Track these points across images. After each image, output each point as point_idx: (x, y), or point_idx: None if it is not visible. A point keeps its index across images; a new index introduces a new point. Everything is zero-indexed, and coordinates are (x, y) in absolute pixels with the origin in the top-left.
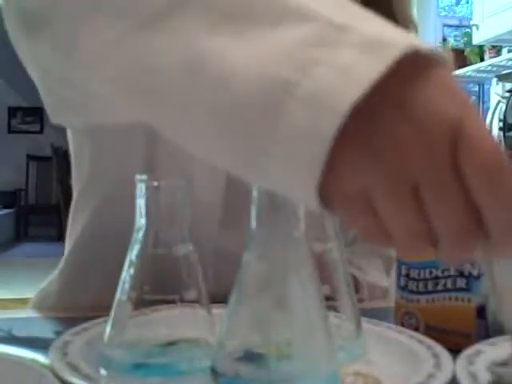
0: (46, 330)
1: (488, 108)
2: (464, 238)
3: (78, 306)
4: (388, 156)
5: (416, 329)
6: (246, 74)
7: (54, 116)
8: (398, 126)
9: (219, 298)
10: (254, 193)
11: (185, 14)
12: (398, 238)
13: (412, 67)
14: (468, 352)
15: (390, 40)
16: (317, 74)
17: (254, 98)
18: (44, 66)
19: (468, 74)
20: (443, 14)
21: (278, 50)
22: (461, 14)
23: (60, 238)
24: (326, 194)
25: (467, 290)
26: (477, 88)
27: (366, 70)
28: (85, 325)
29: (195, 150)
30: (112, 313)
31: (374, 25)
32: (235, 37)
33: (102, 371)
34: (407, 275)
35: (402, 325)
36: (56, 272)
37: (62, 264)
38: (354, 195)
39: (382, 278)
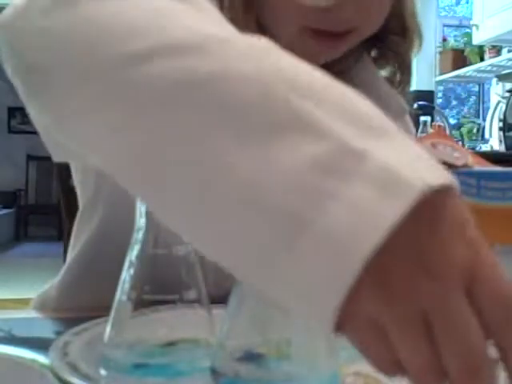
0: (46, 330)
1: (488, 108)
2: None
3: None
4: (403, 296)
5: None
6: (255, 200)
7: (54, 156)
8: (414, 272)
9: (219, 298)
10: None
11: (189, 107)
12: (412, 371)
13: (427, 205)
14: None
15: (407, 178)
16: (332, 211)
17: (265, 229)
18: (36, 117)
19: (468, 73)
20: (443, 14)
21: (290, 172)
22: (461, 14)
23: (60, 238)
24: (338, 319)
25: None
26: (477, 88)
27: (384, 215)
28: (85, 325)
29: (196, 243)
30: (112, 313)
31: (391, 147)
32: (243, 146)
33: (102, 371)
34: None
35: None
36: (56, 279)
37: (62, 272)
38: (366, 325)
39: None
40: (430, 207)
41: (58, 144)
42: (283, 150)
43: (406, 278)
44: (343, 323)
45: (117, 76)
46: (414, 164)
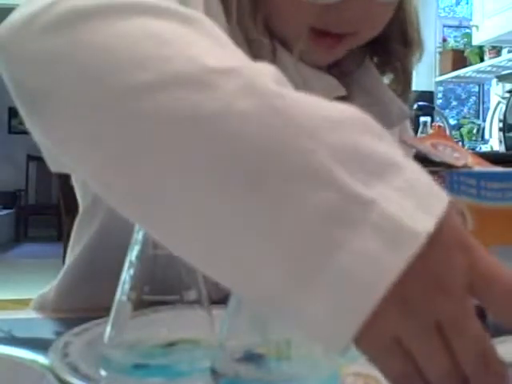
0: (46, 331)
1: (488, 108)
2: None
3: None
4: (419, 310)
5: None
6: (269, 255)
7: (52, 167)
8: (425, 288)
9: (219, 299)
10: None
11: (192, 145)
12: (433, 379)
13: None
14: None
15: (410, 228)
16: (341, 261)
17: (278, 280)
18: (33, 133)
19: (468, 74)
20: (443, 14)
21: (300, 224)
22: (461, 15)
23: (60, 238)
24: (356, 340)
25: None
26: (477, 88)
27: (392, 265)
28: (85, 325)
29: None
30: (112, 313)
31: (396, 188)
32: (251, 192)
33: (102, 372)
34: None
35: None
36: (55, 281)
37: (61, 274)
38: (385, 342)
39: None
40: (430, 236)
41: (55, 157)
42: (292, 198)
43: (419, 295)
44: (361, 342)
45: (118, 107)
46: (417, 204)
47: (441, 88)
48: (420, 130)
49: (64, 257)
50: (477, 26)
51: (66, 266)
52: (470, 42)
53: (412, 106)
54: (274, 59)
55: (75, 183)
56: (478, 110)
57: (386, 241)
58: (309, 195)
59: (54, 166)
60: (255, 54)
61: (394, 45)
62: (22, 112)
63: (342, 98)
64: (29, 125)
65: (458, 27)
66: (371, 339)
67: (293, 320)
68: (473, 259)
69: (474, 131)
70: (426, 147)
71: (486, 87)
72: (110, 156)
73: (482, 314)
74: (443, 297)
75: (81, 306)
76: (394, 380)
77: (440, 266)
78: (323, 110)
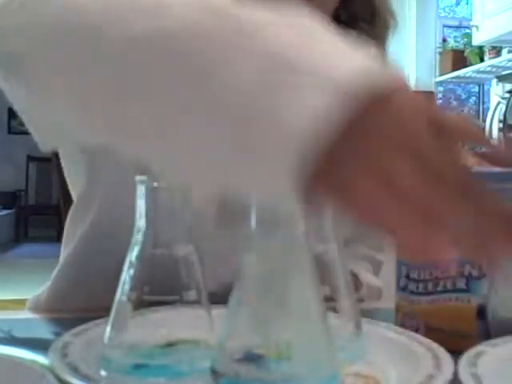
0: (45, 331)
1: (488, 109)
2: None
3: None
4: (383, 134)
5: (416, 330)
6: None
7: (42, 145)
8: (381, 121)
9: (219, 298)
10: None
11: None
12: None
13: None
14: (470, 353)
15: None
16: (287, 116)
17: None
18: (22, 107)
19: (468, 74)
20: (443, 14)
21: (240, 86)
22: (461, 15)
23: (60, 238)
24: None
25: (467, 290)
26: (477, 89)
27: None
28: (85, 326)
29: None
30: (112, 314)
31: (325, 49)
32: (196, 79)
33: (102, 372)
34: (407, 276)
35: (403, 326)
36: (48, 282)
37: (54, 273)
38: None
39: (375, 278)
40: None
41: (44, 130)
42: (229, 72)
43: (376, 125)
44: (319, 182)
45: (77, 41)
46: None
47: (441, 88)
48: None
49: None
50: (477, 26)
51: (59, 265)
52: (470, 42)
53: None
54: None
55: (68, 176)
56: (478, 110)
57: (320, 91)
58: (244, 63)
59: (44, 146)
60: None
61: (361, 23)
62: (1, 80)
63: None
64: (8, 91)
65: (458, 27)
66: (328, 175)
67: (246, 182)
68: (430, 102)
69: None
70: None
71: (486, 87)
72: (76, 80)
73: (482, 313)
74: (411, 125)
75: (74, 306)
76: (361, 215)
77: (400, 102)
78: (269, 16)
